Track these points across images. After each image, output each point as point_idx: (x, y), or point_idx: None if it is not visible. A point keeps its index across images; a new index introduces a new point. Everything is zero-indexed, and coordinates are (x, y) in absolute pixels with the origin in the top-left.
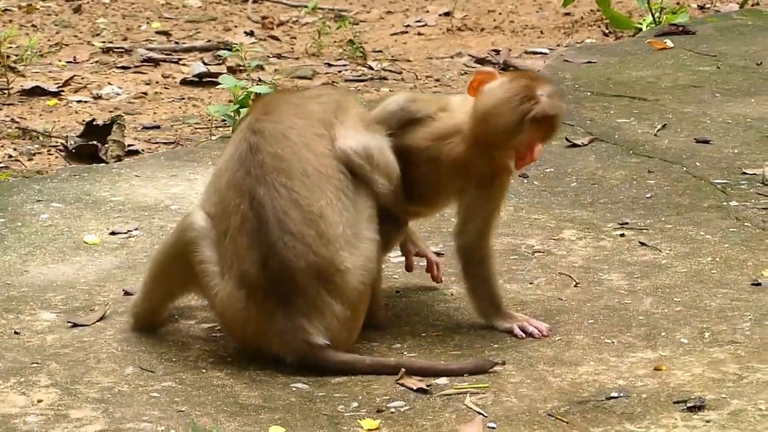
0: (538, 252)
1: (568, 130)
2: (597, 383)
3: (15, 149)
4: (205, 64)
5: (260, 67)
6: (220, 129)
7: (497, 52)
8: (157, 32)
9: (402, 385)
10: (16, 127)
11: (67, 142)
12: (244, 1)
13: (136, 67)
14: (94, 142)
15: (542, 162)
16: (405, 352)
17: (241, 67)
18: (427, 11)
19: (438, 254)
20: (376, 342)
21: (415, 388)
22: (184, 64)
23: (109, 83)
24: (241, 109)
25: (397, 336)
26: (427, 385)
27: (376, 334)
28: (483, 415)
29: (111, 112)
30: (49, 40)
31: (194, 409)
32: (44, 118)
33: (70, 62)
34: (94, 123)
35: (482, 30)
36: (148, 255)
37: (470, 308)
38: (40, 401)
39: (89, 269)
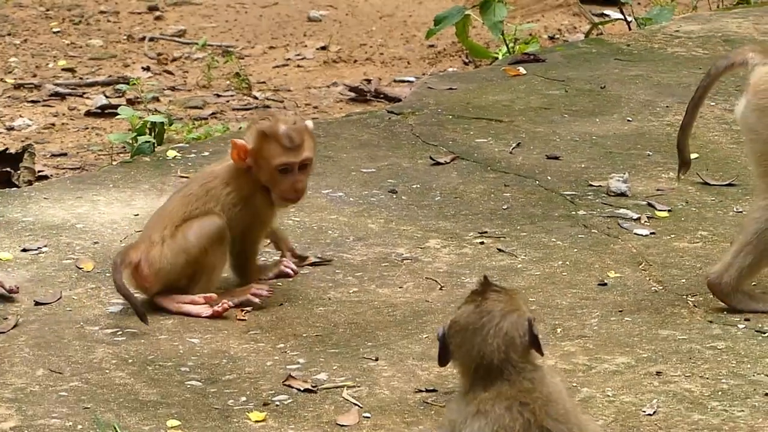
0: (407, 259)
1: (432, 150)
2: None
3: None
4: (106, 97)
5: (156, 99)
6: (121, 155)
7: (369, 81)
8: (63, 69)
9: (289, 386)
10: None
11: None
12: (141, 40)
13: (44, 101)
14: (8, 169)
15: (409, 179)
16: (288, 351)
17: (138, 99)
18: (306, 46)
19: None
20: (262, 342)
21: (302, 389)
22: (87, 98)
23: (20, 116)
24: (138, 137)
25: (281, 336)
26: (313, 386)
27: (262, 336)
28: (359, 406)
29: (22, 141)
30: None
31: (99, 406)
32: None
33: None
34: (7, 152)
35: (355, 61)
36: (57, 269)
37: (345, 312)
38: None
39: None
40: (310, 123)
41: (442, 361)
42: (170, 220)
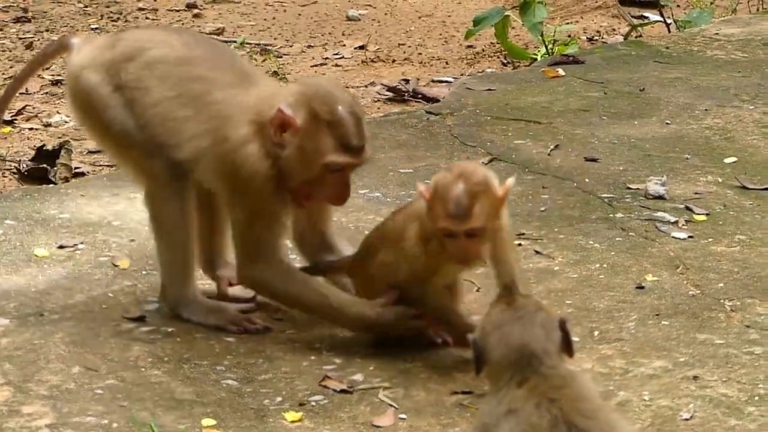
0: None
1: (470, 151)
2: None
3: None
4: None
5: None
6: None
7: (407, 81)
8: None
9: (325, 386)
10: None
11: (19, 165)
12: None
13: None
14: (45, 165)
15: None
16: (323, 351)
17: None
18: (344, 45)
19: None
20: (298, 342)
21: (338, 389)
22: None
23: (57, 112)
24: None
25: (317, 337)
26: (348, 387)
27: (298, 335)
28: (395, 407)
29: (59, 138)
30: (3, 74)
31: (134, 404)
32: None
33: (23, 93)
34: (44, 148)
35: (393, 61)
36: (93, 266)
37: None
38: None
39: (39, 279)
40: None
41: (479, 365)
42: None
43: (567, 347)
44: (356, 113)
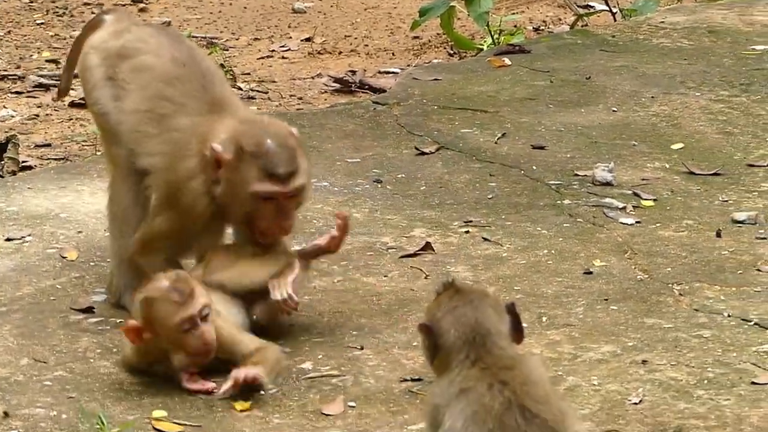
0: (392, 248)
1: (417, 140)
2: None
3: None
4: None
5: None
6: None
7: (353, 72)
8: (47, 60)
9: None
10: None
11: None
12: None
13: (28, 92)
14: None
15: (394, 169)
16: (272, 341)
17: None
18: (290, 37)
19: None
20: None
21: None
22: (72, 89)
23: (4, 107)
24: None
25: (268, 326)
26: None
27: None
28: (344, 395)
29: (6, 132)
30: None
31: (83, 395)
32: None
33: None
34: None
35: (340, 53)
36: (41, 258)
37: (330, 301)
38: None
39: None
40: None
41: (433, 351)
42: None
43: (517, 331)
44: (286, 144)
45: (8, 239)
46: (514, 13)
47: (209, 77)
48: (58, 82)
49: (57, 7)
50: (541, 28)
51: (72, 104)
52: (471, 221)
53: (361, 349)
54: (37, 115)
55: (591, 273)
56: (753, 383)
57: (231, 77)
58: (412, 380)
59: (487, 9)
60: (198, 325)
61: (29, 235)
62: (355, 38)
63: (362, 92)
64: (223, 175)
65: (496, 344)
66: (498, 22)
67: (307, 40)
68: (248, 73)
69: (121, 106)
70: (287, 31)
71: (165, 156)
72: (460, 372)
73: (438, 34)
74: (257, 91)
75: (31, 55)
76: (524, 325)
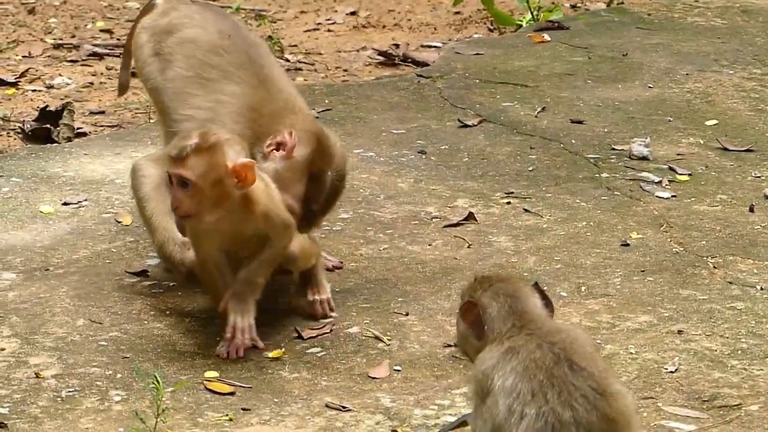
0: (436, 218)
1: (460, 113)
2: None
3: None
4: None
5: None
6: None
7: (397, 46)
8: (101, 30)
9: (322, 339)
10: None
11: (24, 125)
12: None
13: (83, 60)
14: (48, 126)
15: (438, 140)
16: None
17: None
18: (336, 11)
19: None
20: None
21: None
22: None
23: (60, 75)
24: None
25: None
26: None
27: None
28: (389, 359)
29: (62, 99)
30: (7, 38)
31: (138, 355)
32: (3, 105)
33: (26, 57)
34: (48, 109)
35: (384, 27)
36: (96, 222)
37: (376, 268)
38: (2, 350)
39: (45, 235)
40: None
41: (480, 326)
42: None
43: (547, 306)
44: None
45: (65, 203)
46: None
47: (255, 49)
48: (112, 51)
49: None
50: (578, 5)
51: None
52: (512, 192)
53: (407, 315)
54: (92, 83)
55: (628, 245)
56: None
57: (279, 49)
58: (456, 346)
59: None
60: (174, 186)
61: (85, 200)
62: (399, 13)
63: (405, 65)
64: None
65: (536, 313)
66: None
67: (352, 13)
68: (295, 45)
69: (165, 78)
70: (333, 5)
71: (202, 113)
72: (509, 338)
73: (478, 9)
74: (304, 62)
75: (86, 25)
76: (563, 294)
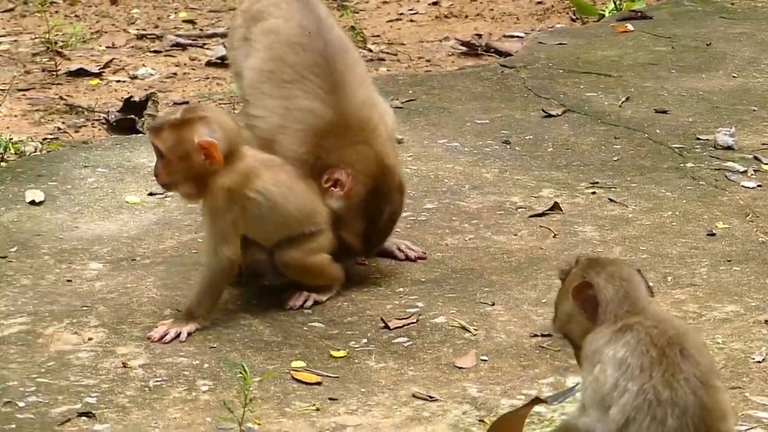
0: (521, 208)
1: (544, 103)
2: None
3: (63, 123)
4: (226, 48)
5: None
6: (241, 104)
7: (479, 36)
8: (184, 21)
9: (408, 329)
10: (63, 104)
11: (108, 116)
12: None
13: (166, 51)
14: (132, 116)
15: (522, 130)
16: (407, 295)
17: None
18: (418, 1)
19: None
20: (382, 287)
21: (421, 332)
22: (208, 48)
23: (143, 65)
24: None
25: (400, 281)
26: (431, 329)
27: (382, 280)
28: (476, 349)
29: (146, 90)
30: (90, 28)
31: (224, 345)
32: (88, 95)
33: (109, 47)
34: (132, 99)
35: (466, 17)
36: (182, 213)
37: (462, 258)
38: (90, 339)
39: (131, 225)
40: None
41: (593, 306)
42: None
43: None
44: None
45: (151, 194)
46: None
47: (331, 49)
48: (195, 42)
49: None
50: None
51: (209, 63)
52: (597, 182)
53: (493, 305)
54: (175, 74)
55: (714, 234)
56: None
57: (361, 39)
58: (542, 335)
59: None
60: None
61: None
62: (481, 2)
63: (488, 55)
64: None
65: (648, 300)
66: None
67: (435, 3)
68: (378, 36)
69: (248, 65)
70: None
71: (273, 118)
72: (621, 319)
73: None
74: (387, 53)
75: (169, 16)
76: (650, 284)
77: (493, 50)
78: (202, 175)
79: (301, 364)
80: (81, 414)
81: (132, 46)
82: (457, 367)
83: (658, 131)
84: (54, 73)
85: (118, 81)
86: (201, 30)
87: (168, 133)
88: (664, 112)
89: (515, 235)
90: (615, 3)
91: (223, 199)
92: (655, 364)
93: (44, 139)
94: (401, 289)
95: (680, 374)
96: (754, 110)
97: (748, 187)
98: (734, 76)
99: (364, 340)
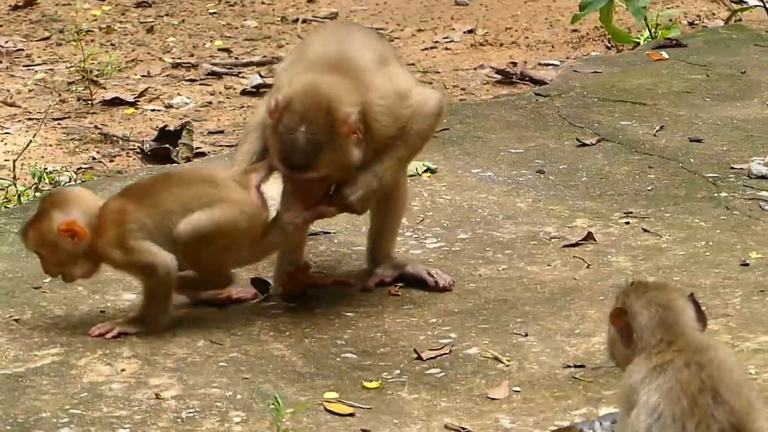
0: (555, 238)
1: (578, 131)
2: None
3: (98, 152)
4: (261, 76)
5: None
6: None
7: (515, 64)
8: (220, 49)
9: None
10: (98, 133)
11: (143, 145)
12: (294, 21)
13: (201, 79)
14: (167, 146)
15: (556, 159)
16: (440, 325)
17: None
18: (453, 29)
19: None
20: (415, 317)
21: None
22: (243, 77)
23: (178, 94)
24: None
25: (433, 311)
26: (464, 360)
27: (415, 310)
28: (509, 380)
29: (181, 119)
30: (126, 57)
31: (257, 376)
32: (123, 124)
33: (145, 76)
34: (166, 129)
35: (501, 45)
36: None
37: (495, 288)
38: (123, 370)
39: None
40: None
41: (628, 333)
42: None
43: (701, 320)
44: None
45: None
46: (669, 8)
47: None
48: (230, 70)
49: None
50: (696, 22)
51: (244, 92)
52: (631, 212)
53: (526, 335)
54: (210, 103)
55: (747, 265)
56: None
57: None
58: (576, 366)
59: (645, 4)
60: None
61: None
62: (516, 30)
63: (523, 83)
64: None
65: (688, 326)
66: (655, 17)
67: (470, 31)
68: (413, 64)
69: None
70: (450, 23)
71: None
72: (657, 353)
73: (595, 27)
74: (422, 81)
75: (204, 44)
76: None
77: (528, 78)
78: (85, 251)
79: (334, 395)
80: None
81: (167, 75)
82: (489, 398)
83: (692, 160)
84: (89, 102)
85: (153, 110)
86: (236, 58)
87: (31, 233)
88: (699, 140)
89: (548, 265)
90: (650, 31)
91: (118, 251)
92: (687, 415)
93: (79, 169)
94: (434, 320)
95: (714, 424)
96: None
97: None
98: None
99: (397, 371)
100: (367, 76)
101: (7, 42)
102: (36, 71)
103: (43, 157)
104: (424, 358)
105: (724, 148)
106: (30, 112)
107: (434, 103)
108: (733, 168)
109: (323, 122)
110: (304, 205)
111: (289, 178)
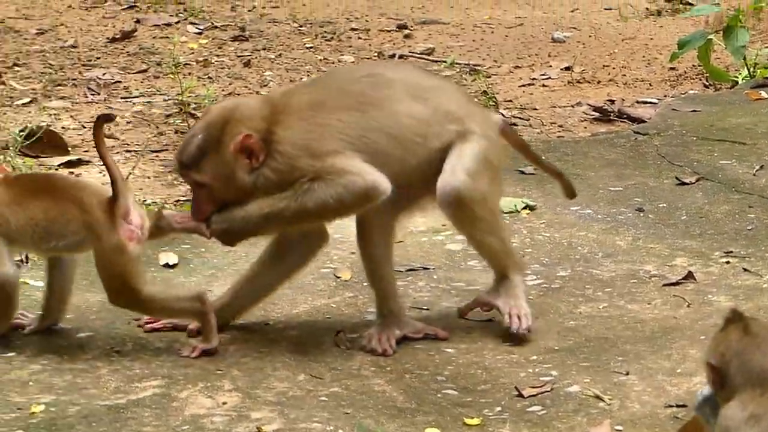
0: (655, 276)
1: (677, 170)
2: None
3: None
4: None
5: None
6: None
7: (612, 101)
8: None
9: (543, 398)
10: None
11: None
12: (391, 57)
13: None
14: None
15: (656, 198)
16: (541, 363)
17: None
18: (550, 66)
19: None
20: (515, 354)
21: (555, 401)
22: None
23: None
24: None
25: (534, 349)
26: (566, 398)
27: (515, 347)
28: (610, 419)
29: None
30: (223, 90)
31: (358, 411)
32: None
33: None
34: None
35: (598, 82)
36: (315, 278)
37: (595, 327)
38: (224, 403)
39: None
40: None
41: (720, 387)
42: None
43: None
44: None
45: None
46: (767, 47)
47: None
48: None
49: (325, 32)
50: None
51: None
52: (731, 251)
53: (627, 374)
54: None
55: None
56: None
57: (494, 104)
58: (677, 406)
59: (744, 43)
60: None
61: None
62: (613, 68)
63: (620, 121)
64: None
65: None
66: (754, 56)
67: (567, 69)
68: (510, 101)
69: None
70: (547, 60)
71: None
72: (752, 400)
73: (693, 65)
74: (519, 118)
75: (301, 78)
76: None
77: (625, 116)
78: None
79: (435, 431)
80: None
81: None
82: None
83: None
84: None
85: None
86: None
87: None
88: None
89: (649, 304)
90: (748, 70)
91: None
92: None
93: (177, 201)
94: (534, 357)
95: None
96: None
97: None
98: None
99: (498, 408)
100: (291, 117)
101: (105, 74)
102: (134, 103)
103: (141, 189)
104: (525, 396)
105: None
106: (128, 144)
107: (356, 185)
108: None
109: (217, 133)
110: (193, 214)
111: (183, 178)
